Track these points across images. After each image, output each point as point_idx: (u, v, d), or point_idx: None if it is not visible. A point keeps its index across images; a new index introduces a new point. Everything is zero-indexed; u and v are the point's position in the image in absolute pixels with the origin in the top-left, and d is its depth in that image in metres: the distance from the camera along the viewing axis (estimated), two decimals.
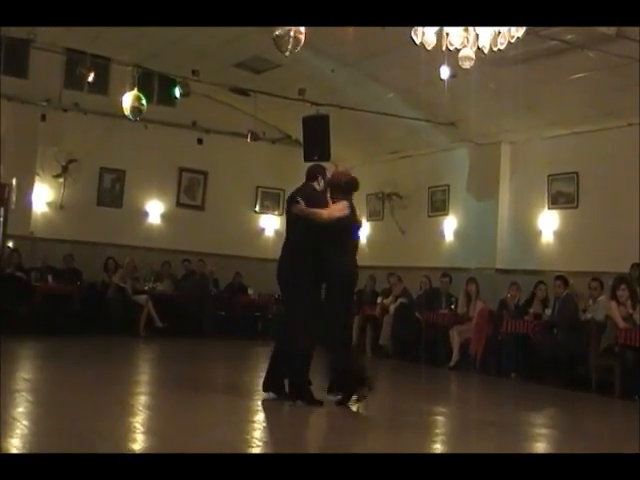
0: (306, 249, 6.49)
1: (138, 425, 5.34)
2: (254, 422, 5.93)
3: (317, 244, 6.45)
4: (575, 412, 8.02)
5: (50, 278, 12.34)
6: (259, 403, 7.00)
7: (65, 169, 13.13)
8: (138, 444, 4.71)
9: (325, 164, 7.87)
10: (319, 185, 6.78)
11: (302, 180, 16.08)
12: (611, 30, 8.16)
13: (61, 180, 13.19)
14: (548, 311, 9.80)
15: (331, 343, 6.45)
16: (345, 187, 6.80)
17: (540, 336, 9.55)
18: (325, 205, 6.58)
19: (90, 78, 10.86)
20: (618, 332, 8.57)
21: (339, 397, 6.41)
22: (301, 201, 6.46)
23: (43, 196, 13.15)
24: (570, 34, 8.49)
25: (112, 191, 13.81)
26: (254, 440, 5.13)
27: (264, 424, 5.88)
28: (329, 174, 6.92)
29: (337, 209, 6.54)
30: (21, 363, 8.72)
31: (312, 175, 6.84)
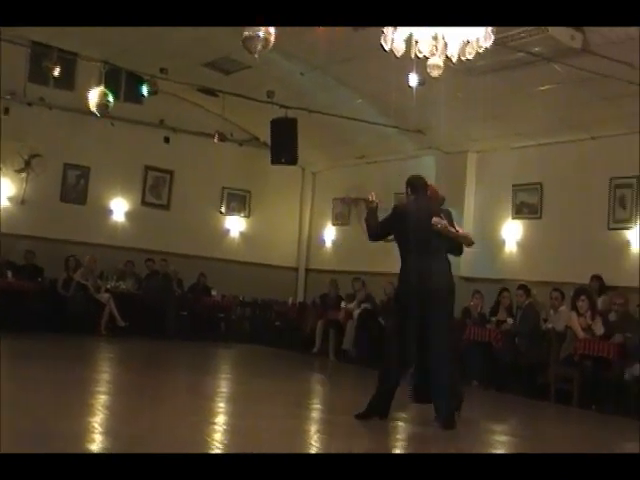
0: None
1: (96, 425, 5.27)
2: (214, 424, 5.90)
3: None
4: (534, 420, 8.10)
5: (10, 274, 12.14)
6: (220, 405, 6.97)
7: (28, 164, 12.93)
8: (96, 444, 4.65)
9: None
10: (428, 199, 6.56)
11: (269, 182, 16.04)
12: (577, 44, 8.28)
13: (23, 175, 12.98)
14: (510, 320, 9.90)
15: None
16: (442, 202, 6.73)
17: (502, 344, 9.64)
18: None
19: (56, 72, 10.73)
20: (577, 342, 8.69)
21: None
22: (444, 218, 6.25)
23: (4, 191, 12.93)
24: (537, 47, 8.59)
25: (76, 187, 13.65)
26: (214, 442, 5.09)
27: (225, 426, 5.85)
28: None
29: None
30: None
31: (423, 187, 6.58)
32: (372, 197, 6.54)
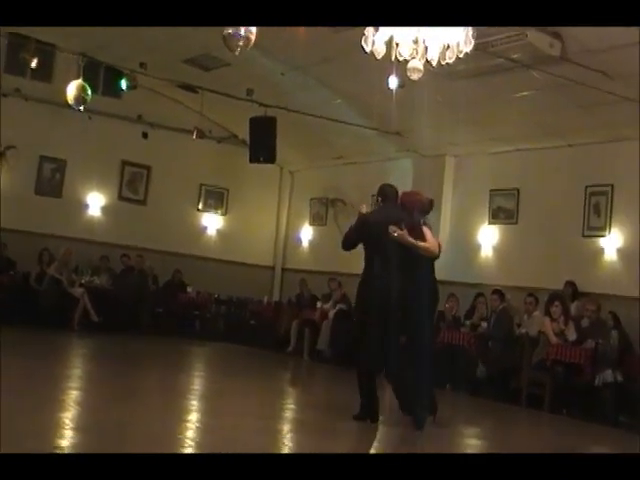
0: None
1: (67, 421, 5.24)
2: (187, 422, 5.87)
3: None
4: (505, 424, 8.16)
5: None
6: (193, 403, 6.95)
7: (2, 155, 12.78)
8: (66, 440, 4.62)
9: None
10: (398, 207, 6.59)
11: (247, 180, 16.01)
12: (555, 52, 8.36)
13: None
14: (484, 324, 9.96)
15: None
16: (428, 209, 6.71)
17: (475, 348, 9.69)
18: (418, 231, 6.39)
19: (33, 64, 10.60)
20: (550, 347, 8.76)
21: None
22: (404, 228, 6.23)
23: None
24: (517, 53, 8.65)
25: (52, 181, 13.53)
26: (186, 440, 5.07)
27: (197, 424, 5.83)
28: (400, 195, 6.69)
29: (436, 242, 6.47)
30: None
31: (394, 196, 6.62)
32: (364, 209, 6.54)
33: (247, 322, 14.14)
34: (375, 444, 5.93)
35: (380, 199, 6.66)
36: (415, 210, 6.59)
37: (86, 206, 13.80)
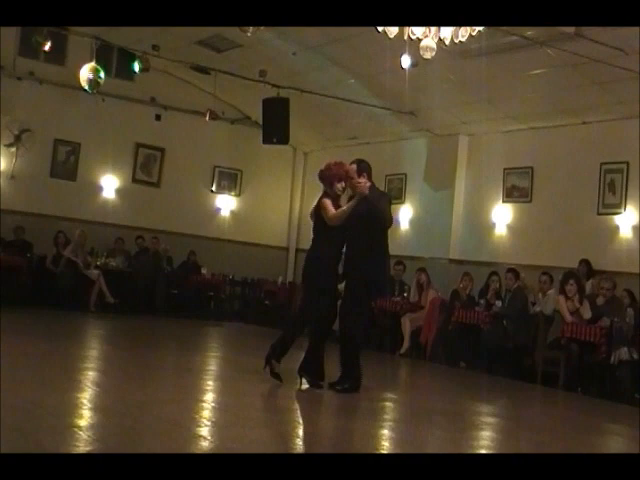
0: None
1: (85, 401, 5.29)
2: (203, 402, 5.92)
3: None
4: (520, 402, 8.18)
5: None
6: (209, 383, 7.01)
7: (18, 138, 12.86)
8: (84, 420, 4.67)
9: None
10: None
11: (260, 161, 16.03)
12: (570, 29, 8.28)
13: (13, 149, 12.91)
14: (499, 303, 9.96)
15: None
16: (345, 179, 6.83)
17: (490, 327, 9.70)
18: None
19: (47, 47, 10.64)
20: (565, 326, 8.75)
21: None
22: None
23: None
24: (530, 30, 8.58)
25: (66, 163, 13.59)
26: (202, 420, 5.12)
27: (213, 404, 5.88)
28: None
29: None
30: None
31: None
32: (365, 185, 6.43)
33: (262, 302, 14.20)
34: (389, 422, 5.96)
35: (366, 176, 6.55)
36: (334, 181, 6.56)
37: (100, 188, 13.87)
